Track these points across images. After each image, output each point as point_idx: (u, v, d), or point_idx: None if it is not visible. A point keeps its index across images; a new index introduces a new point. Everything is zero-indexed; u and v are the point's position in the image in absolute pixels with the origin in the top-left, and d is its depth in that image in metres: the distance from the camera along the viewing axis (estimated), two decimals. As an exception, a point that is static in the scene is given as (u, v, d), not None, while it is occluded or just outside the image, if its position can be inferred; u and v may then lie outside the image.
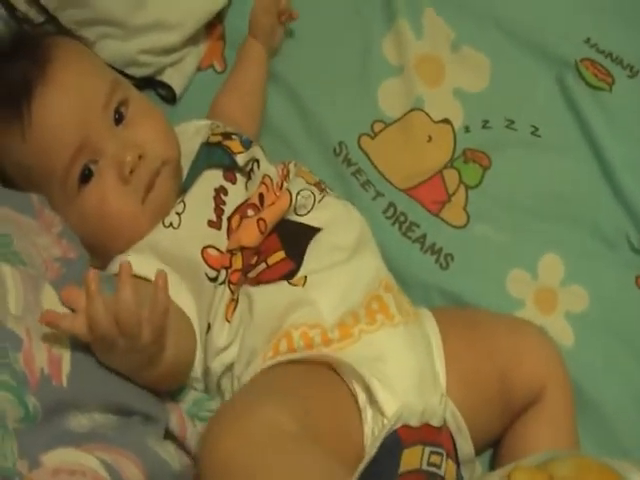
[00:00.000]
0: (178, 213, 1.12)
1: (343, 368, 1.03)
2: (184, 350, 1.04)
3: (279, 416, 0.90)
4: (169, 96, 1.41)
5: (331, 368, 1.04)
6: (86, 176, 1.09)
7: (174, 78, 1.41)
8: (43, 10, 1.30)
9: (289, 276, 1.10)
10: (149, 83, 1.39)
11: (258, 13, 1.41)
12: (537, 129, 1.37)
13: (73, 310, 0.94)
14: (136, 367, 0.95)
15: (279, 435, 0.88)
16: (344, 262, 1.12)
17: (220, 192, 1.14)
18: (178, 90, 1.41)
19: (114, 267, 1.08)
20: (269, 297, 1.09)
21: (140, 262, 1.05)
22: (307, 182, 1.19)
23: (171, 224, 1.11)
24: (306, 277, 1.10)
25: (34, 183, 1.09)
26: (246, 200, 1.15)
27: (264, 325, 1.07)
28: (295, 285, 1.10)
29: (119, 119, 1.12)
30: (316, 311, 1.08)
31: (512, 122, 1.38)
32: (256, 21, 1.41)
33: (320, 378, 1.03)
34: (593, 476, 0.92)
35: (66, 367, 0.90)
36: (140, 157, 1.10)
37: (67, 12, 1.31)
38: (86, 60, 1.16)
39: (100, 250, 1.10)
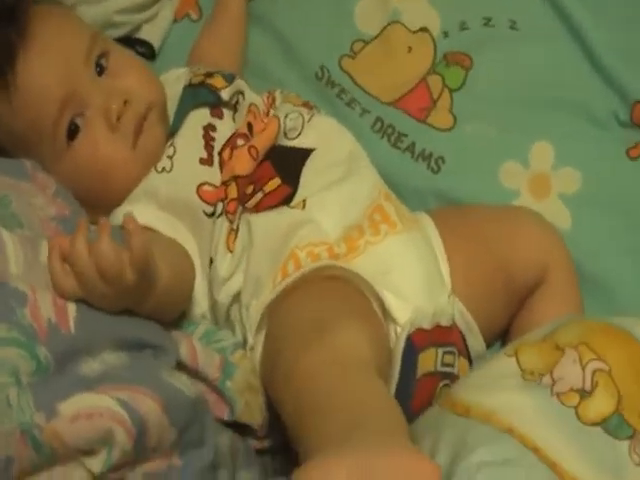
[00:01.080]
0: (169, 156, 1.13)
1: (356, 279, 1.05)
2: (179, 275, 1.05)
3: (358, 340, 0.92)
4: (148, 53, 1.41)
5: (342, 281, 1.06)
6: (73, 130, 1.11)
7: (151, 33, 1.41)
8: None
9: (287, 201, 1.12)
10: (127, 42, 1.38)
11: None
12: (515, 22, 1.36)
13: None
14: (133, 303, 0.96)
15: (359, 360, 0.90)
16: (341, 178, 1.14)
17: (208, 129, 1.16)
18: (157, 45, 1.41)
19: (115, 220, 1.09)
20: (269, 222, 1.10)
21: (138, 211, 1.05)
22: (294, 105, 1.20)
23: (164, 169, 1.13)
24: (305, 200, 1.11)
25: (25, 147, 1.11)
26: (235, 132, 1.16)
27: (267, 250, 1.08)
28: (294, 208, 1.11)
29: (101, 71, 1.14)
30: (319, 229, 1.09)
31: (489, 19, 1.37)
32: None
33: (346, 292, 1.04)
34: (597, 336, 0.94)
35: (72, 312, 0.92)
36: (125, 103, 1.11)
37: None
38: (64, 20, 1.17)
39: (95, 204, 1.11)
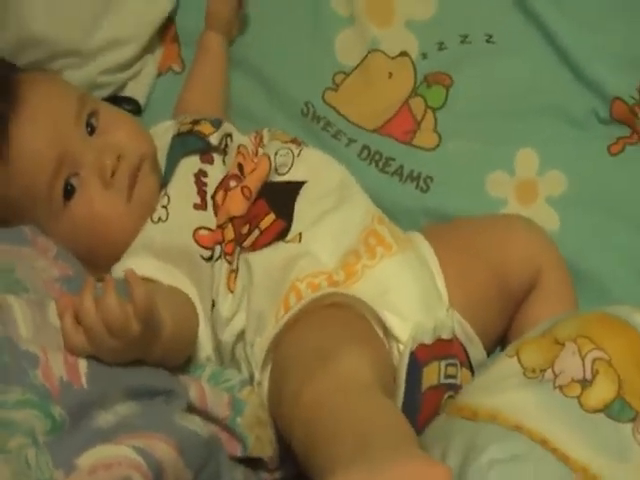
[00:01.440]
0: (164, 206, 1.16)
1: (356, 304, 1.07)
2: (183, 321, 1.07)
3: (360, 365, 0.94)
4: (135, 109, 1.43)
5: (343, 308, 1.08)
6: (69, 191, 1.13)
7: (136, 90, 1.44)
8: None
9: (283, 235, 1.14)
10: (113, 101, 1.40)
11: (218, 6, 1.42)
12: (491, 36, 1.39)
13: None
14: (140, 353, 0.98)
15: (362, 383, 0.92)
16: (333, 207, 1.16)
17: (200, 175, 1.18)
18: (142, 100, 1.44)
19: (116, 276, 1.11)
20: (267, 259, 1.12)
21: (137, 265, 1.09)
22: (283, 142, 1.22)
23: (160, 218, 1.15)
24: (300, 233, 1.13)
25: (22, 213, 1.13)
26: (226, 174, 1.18)
27: (267, 286, 1.10)
28: (290, 242, 1.13)
29: (92, 130, 1.16)
30: (316, 260, 1.11)
31: (466, 37, 1.40)
32: (215, 14, 1.42)
33: (346, 318, 1.07)
34: (595, 327, 0.96)
35: (83, 368, 0.94)
36: (119, 158, 1.14)
37: (25, 54, 1.33)
38: (51, 84, 1.20)
39: (95, 260, 1.13)
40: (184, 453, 0.93)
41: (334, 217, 1.15)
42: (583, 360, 0.93)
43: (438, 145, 1.33)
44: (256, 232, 1.14)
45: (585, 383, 0.92)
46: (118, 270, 1.12)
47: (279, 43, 1.45)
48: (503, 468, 0.87)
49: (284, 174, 1.19)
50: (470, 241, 1.19)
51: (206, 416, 1.01)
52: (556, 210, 1.27)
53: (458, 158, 1.32)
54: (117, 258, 1.15)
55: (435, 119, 1.35)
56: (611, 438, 0.89)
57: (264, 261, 1.12)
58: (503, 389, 0.94)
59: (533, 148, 1.31)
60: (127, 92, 1.44)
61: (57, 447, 0.88)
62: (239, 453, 1.03)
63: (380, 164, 1.33)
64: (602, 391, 0.92)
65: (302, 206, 1.16)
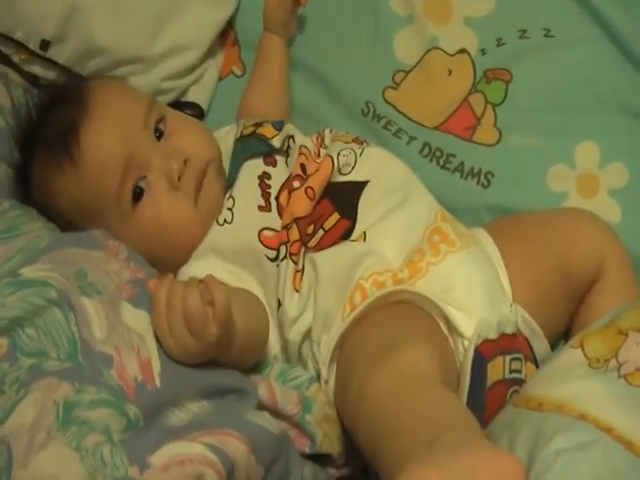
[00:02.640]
0: (229, 208, 1.18)
1: (421, 300, 1.08)
2: (256, 322, 1.09)
3: (424, 358, 0.96)
4: (197, 114, 1.45)
5: (408, 305, 1.09)
6: (138, 194, 1.16)
7: (199, 95, 1.46)
8: (64, 69, 1.36)
9: (347, 235, 1.15)
10: (176, 106, 1.40)
11: (273, 9, 1.43)
12: (549, 30, 1.40)
13: None
14: (215, 355, 1.00)
15: (426, 377, 0.94)
16: (397, 205, 1.17)
17: (263, 178, 1.20)
18: (205, 105, 1.46)
19: (183, 278, 1.12)
20: (333, 258, 1.13)
21: (204, 268, 1.11)
22: (345, 142, 1.23)
23: (225, 220, 1.17)
24: (365, 232, 1.15)
25: (91, 215, 1.16)
26: (289, 175, 1.20)
27: (333, 285, 1.11)
28: (355, 241, 1.15)
29: (160, 135, 1.19)
30: (381, 259, 1.12)
31: (524, 31, 1.40)
32: (272, 17, 1.43)
33: (411, 314, 1.08)
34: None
35: (156, 366, 0.96)
36: (185, 162, 1.16)
37: (89, 64, 1.36)
38: (121, 89, 1.24)
39: (162, 263, 1.15)
40: (256, 450, 0.94)
41: (398, 215, 1.16)
42: None
43: (499, 141, 1.34)
44: (320, 232, 1.16)
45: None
46: (186, 273, 1.14)
47: (338, 44, 1.46)
48: (570, 456, 0.88)
49: (347, 174, 1.20)
50: (533, 235, 1.19)
51: (275, 413, 1.03)
52: (618, 202, 1.27)
53: (518, 153, 1.32)
54: (183, 261, 1.17)
55: (495, 115, 1.36)
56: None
57: (330, 260, 1.13)
58: (568, 380, 0.95)
59: (594, 141, 1.31)
60: (190, 97, 1.47)
61: (132, 444, 0.91)
62: (308, 449, 1.05)
63: (441, 161, 1.34)
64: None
65: (366, 205, 1.17)
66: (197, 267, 1.14)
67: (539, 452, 0.88)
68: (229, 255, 1.16)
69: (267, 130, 1.24)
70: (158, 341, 0.98)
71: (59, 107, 1.19)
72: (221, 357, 1.01)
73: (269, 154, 1.22)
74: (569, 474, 0.87)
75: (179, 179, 1.16)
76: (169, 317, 0.96)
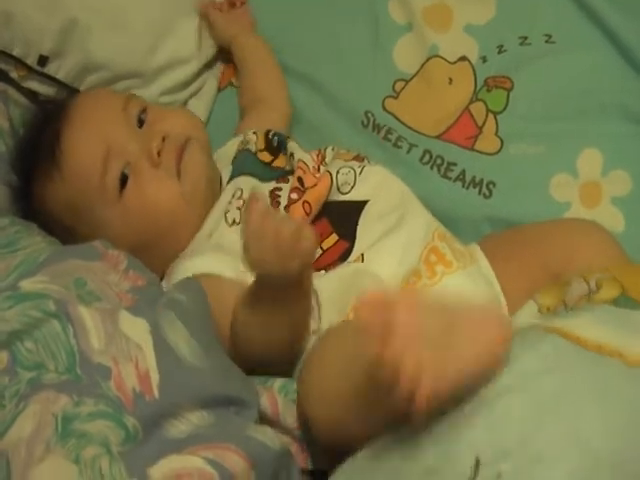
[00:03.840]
0: (239, 208, 1.19)
1: None
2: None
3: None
4: None
5: None
6: (123, 181, 1.17)
7: (199, 107, 1.45)
8: (63, 85, 1.36)
9: (346, 256, 1.15)
10: None
11: (224, 29, 1.46)
12: (550, 37, 1.39)
13: None
14: (279, 295, 0.99)
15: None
16: (395, 226, 1.17)
17: (274, 190, 1.21)
18: (204, 116, 1.45)
19: (179, 274, 1.13)
20: (332, 282, 1.13)
21: (209, 264, 1.11)
22: (345, 160, 1.23)
23: (234, 221, 1.18)
24: (363, 255, 1.14)
25: (83, 214, 1.18)
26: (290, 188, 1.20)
27: (333, 305, 1.11)
28: (353, 263, 1.14)
29: (141, 124, 1.22)
30: (378, 280, 1.12)
31: (525, 38, 1.40)
32: (228, 35, 1.46)
33: None
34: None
35: (155, 377, 0.95)
36: (164, 139, 1.18)
37: (87, 79, 1.37)
38: (98, 93, 1.28)
39: (157, 251, 1.16)
40: (256, 465, 0.93)
41: (396, 236, 1.16)
42: (588, 283, 0.99)
43: (500, 149, 1.33)
44: (318, 251, 1.15)
45: (590, 294, 0.97)
46: (190, 268, 1.13)
47: (338, 54, 1.46)
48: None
49: (346, 193, 1.20)
50: (533, 251, 1.17)
51: (277, 426, 1.02)
52: (621, 211, 1.27)
53: (520, 162, 1.32)
54: (177, 246, 1.17)
55: (496, 123, 1.35)
56: (623, 320, 0.91)
57: (329, 284, 1.13)
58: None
59: (597, 148, 1.30)
60: (189, 109, 1.45)
61: (130, 457, 0.90)
62: (309, 466, 1.04)
63: (442, 169, 1.33)
64: (607, 293, 0.97)
65: (365, 226, 1.17)
66: (201, 263, 1.13)
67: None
68: (235, 255, 1.14)
69: (280, 161, 1.26)
70: (156, 351, 0.97)
71: (49, 121, 1.22)
72: (291, 304, 1.00)
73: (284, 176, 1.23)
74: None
75: (159, 155, 1.18)
76: (265, 228, 0.93)
